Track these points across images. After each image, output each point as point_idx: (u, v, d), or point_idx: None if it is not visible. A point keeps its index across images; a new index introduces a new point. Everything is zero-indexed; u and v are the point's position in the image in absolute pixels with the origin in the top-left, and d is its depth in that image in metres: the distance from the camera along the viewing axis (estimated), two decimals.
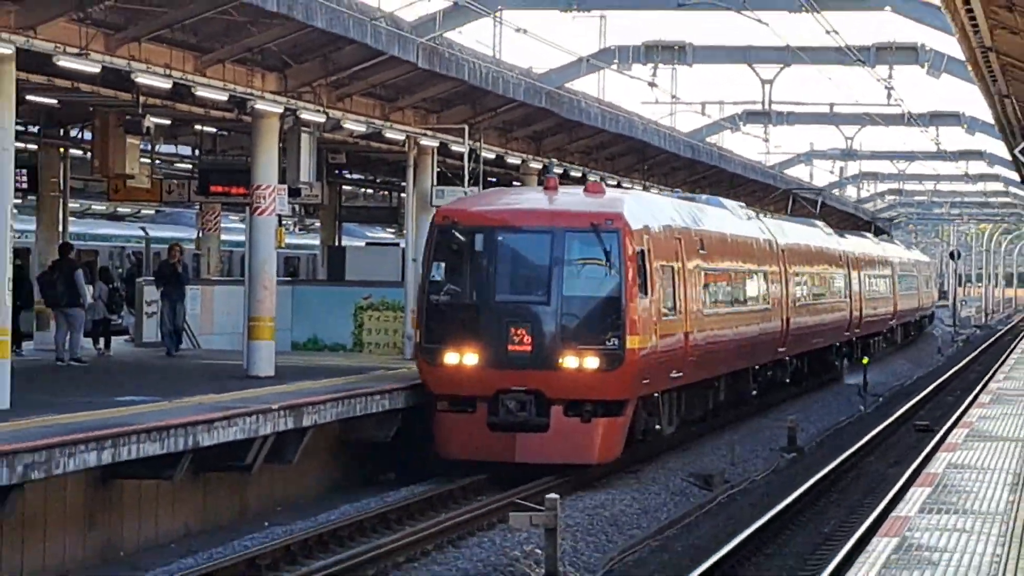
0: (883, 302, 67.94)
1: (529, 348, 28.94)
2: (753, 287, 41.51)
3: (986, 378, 48.71)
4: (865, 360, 57.15)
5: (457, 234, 30.10)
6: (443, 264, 30.08)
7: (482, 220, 30.39)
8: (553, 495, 21.57)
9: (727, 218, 40.86)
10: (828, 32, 37.89)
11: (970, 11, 25.20)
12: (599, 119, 48.23)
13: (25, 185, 37.37)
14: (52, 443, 20.76)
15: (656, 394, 31.46)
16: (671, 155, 57.70)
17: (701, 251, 35.02)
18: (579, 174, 51.19)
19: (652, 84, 47.78)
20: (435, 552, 23.08)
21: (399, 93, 38.57)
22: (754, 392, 42.41)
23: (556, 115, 44.61)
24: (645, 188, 48.68)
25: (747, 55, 48.62)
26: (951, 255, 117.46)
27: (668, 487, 30.79)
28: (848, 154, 75.70)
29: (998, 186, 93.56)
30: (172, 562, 21.83)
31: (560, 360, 28.86)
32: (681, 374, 32.51)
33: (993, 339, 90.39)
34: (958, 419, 35.27)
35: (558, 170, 45.55)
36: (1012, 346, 70.25)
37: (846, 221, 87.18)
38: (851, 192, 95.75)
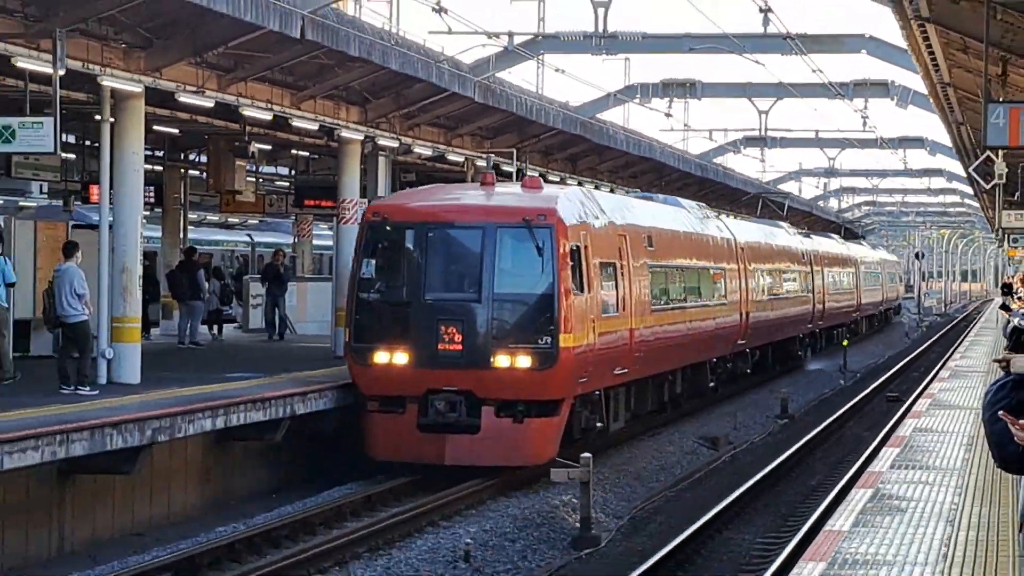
0: (846, 296, 62.91)
1: (460, 347, 23.65)
2: (708, 283, 35.80)
3: (945, 357, 48.49)
4: (845, 343, 56.90)
5: (388, 230, 24.78)
6: (373, 261, 24.81)
7: (413, 216, 24.88)
8: (587, 454, 21.55)
9: (682, 217, 35.06)
10: (814, 71, 37.83)
11: (932, 53, 25.11)
12: (624, 144, 48.22)
13: (152, 199, 37.53)
14: (175, 411, 20.86)
15: (597, 392, 26.08)
16: (684, 173, 57.65)
17: (649, 248, 29.48)
18: (608, 189, 51.15)
19: (668, 114, 47.85)
20: (490, 501, 23.06)
21: (459, 123, 38.62)
22: (712, 384, 36.56)
23: (589, 140, 44.64)
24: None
25: (746, 90, 48.63)
26: (916, 255, 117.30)
27: (681, 447, 30.70)
28: (830, 172, 75.58)
29: (955, 198, 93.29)
30: (274, 508, 21.87)
31: (492, 359, 23.61)
32: (626, 370, 27.20)
33: (951, 325, 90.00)
34: (922, 391, 35.16)
35: (589, 184, 45.48)
36: (966, 331, 69.99)
37: (827, 226, 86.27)
38: (833, 203, 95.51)
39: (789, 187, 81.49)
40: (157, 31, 25.29)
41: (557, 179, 46.54)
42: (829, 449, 32.15)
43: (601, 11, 31.79)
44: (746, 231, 42.75)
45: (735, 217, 49.32)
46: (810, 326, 52.29)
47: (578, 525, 21.30)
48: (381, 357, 23.93)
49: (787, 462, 28.64)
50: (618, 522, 22.63)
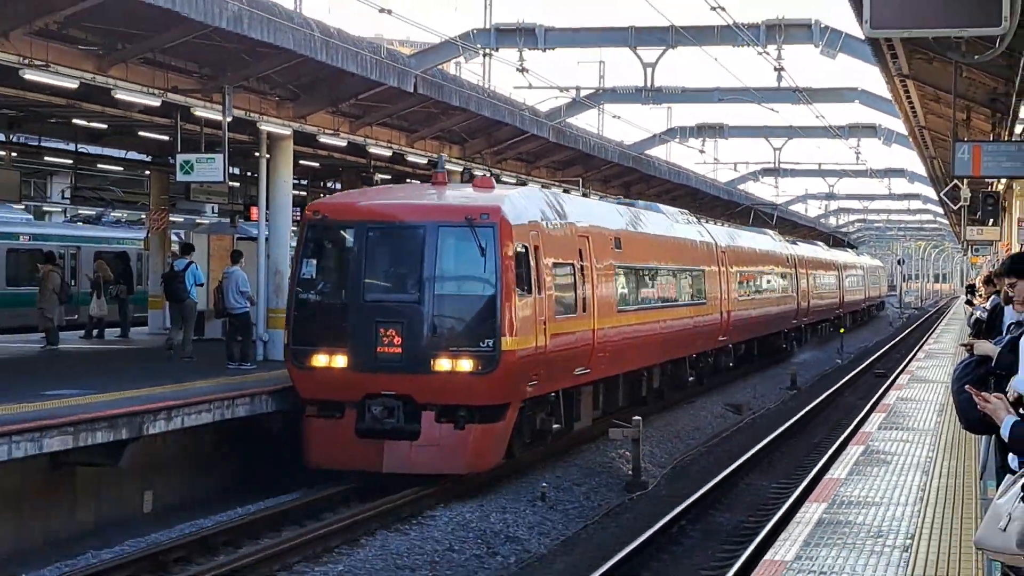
0: (830, 295, 56.90)
1: (399, 350, 18.39)
2: (685, 284, 29.68)
3: (921, 342, 48.08)
4: (842, 330, 56.38)
5: (328, 229, 19.45)
6: (313, 261, 19.51)
7: (352, 214, 19.40)
8: (637, 417, 21.51)
9: (658, 221, 28.99)
10: (817, 117, 37.63)
11: (911, 102, 24.94)
12: (667, 174, 48.14)
13: (299, 218, 37.69)
14: None
15: (553, 394, 20.66)
16: (714, 197, 57.46)
17: (616, 249, 23.84)
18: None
19: (701, 151, 47.74)
20: (563, 456, 22.97)
21: (536, 157, 38.67)
22: (691, 378, 31.05)
23: (639, 171, 44.57)
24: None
25: (763, 132, 48.42)
26: (898, 262, 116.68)
27: (712, 412, 30.60)
28: (830, 196, 75.11)
29: (929, 217, 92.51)
30: None
31: (432, 363, 18.30)
32: (589, 370, 21.75)
33: (926, 317, 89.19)
34: (903, 368, 34.89)
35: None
36: (938, 321, 69.34)
37: (819, 235, 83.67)
38: (832, 221, 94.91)
39: (797, 208, 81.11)
40: (303, 87, 25.48)
41: (614, 201, 46.29)
42: (829, 414, 31.95)
43: (649, 70, 31.72)
44: (728, 236, 36.98)
45: (717, 223, 44.97)
46: (795, 322, 47.05)
47: (630, 473, 21.30)
48: (319, 360, 18.81)
49: (796, 424, 28.50)
50: (662, 470, 22.59)
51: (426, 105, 28.24)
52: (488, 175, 21.36)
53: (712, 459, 24.03)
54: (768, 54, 27.89)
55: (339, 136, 27.46)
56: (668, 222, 30.07)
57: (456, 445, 18.36)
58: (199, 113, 23.05)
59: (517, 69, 28.36)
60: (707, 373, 33.36)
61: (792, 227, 74.48)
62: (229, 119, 22.62)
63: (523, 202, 19.89)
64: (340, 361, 18.64)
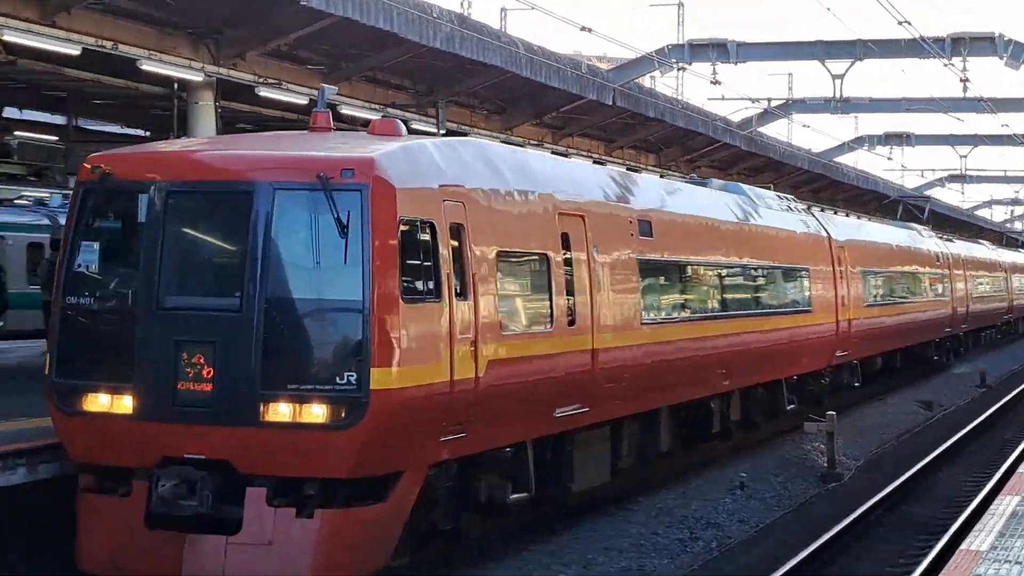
0: (995, 299, 48.98)
1: (210, 387, 10.51)
2: (775, 285, 21.54)
3: None
4: None
5: (112, 195, 11.28)
6: (93, 246, 11.18)
7: (147, 169, 11.21)
8: (831, 412, 21.14)
9: (733, 203, 20.36)
10: (1002, 125, 36.72)
11: None
12: (855, 180, 47.41)
13: None
14: None
15: (508, 449, 12.76)
16: (908, 204, 56.37)
17: (644, 237, 15.86)
18: (844, 214, 50.22)
19: (889, 158, 46.95)
20: (759, 449, 22.59)
21: (729, 164, 38.44)
22: (791, 405, 22.77)
23: (828, 178, 44.03)
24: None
25: (949, 140, 47.45)
26: None
27: (902, 409, 29.92)
28: (1016, 201, 73.23)
29: None
30: None
31: (261, 409, 10.45)
32: (587, 409, 14.03)
33: None
34: None
35: (829, 212, 44.55)
36: None
37: (990, 235, 77.11)
38: (1018, 225, 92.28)
39: (983, 213, 79.11)
40: (509, 101, 25.76)
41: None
42: (1019, 411, 30.99)
43: (837, 82, 31.29)
44: (849, 229, 28.53)
45: (840, 214, 40.12)
46: (949, 329, 38.97)
47: (825, 465, 20.96)
48: (96, 402, 10.97)
49: (986, 421, 27.71)
50: (856, 463, 22.16)
51: (623, 117, 28.30)
52: (395, 119, 13.01)
53: (905, 453, 23.48)
54: (953, 66, 27.29)
55: (543, 146, 27.65)
56: (749, 206, 21.23)
57: (299, 543, 10.47)
58: (415, 126, 23.44)
59: (711, 82, 28.23)
60: (820, 396, 25.21)
61: (973, 227, 72.21)
62: (442, 132, 22.96)
63: (433, 156, 11.77)
64: (124, 403, 10.88)
